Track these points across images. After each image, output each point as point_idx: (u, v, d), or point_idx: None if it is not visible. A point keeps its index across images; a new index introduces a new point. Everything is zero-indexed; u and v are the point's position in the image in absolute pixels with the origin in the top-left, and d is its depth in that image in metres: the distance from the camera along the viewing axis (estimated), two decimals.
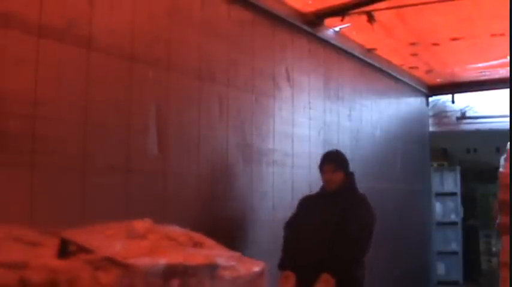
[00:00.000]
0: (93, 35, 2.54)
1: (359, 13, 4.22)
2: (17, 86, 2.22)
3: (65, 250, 1.66)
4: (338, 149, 3.89)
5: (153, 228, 1.98)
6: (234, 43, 3.58)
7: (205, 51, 3.30)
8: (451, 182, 8.60)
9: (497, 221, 4.66)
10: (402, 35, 5.03)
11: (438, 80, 7.21)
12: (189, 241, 2.05)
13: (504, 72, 6.16)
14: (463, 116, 7.92)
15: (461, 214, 8.45)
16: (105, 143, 2.61)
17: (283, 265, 3.36)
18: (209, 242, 2.10)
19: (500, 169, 4.74)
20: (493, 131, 7.46)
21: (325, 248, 3.32)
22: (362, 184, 5.29)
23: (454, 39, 5.09)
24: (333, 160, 3.62)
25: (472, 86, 7.28)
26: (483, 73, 6.66)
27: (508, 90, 4.94)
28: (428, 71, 6.69)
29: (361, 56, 5.34)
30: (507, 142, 4.77)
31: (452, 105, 7.82)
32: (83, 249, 1.64)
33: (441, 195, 8.44)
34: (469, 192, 8.60)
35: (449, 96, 7.69)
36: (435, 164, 8.54)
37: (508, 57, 5.43)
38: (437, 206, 8.39)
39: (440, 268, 8.17)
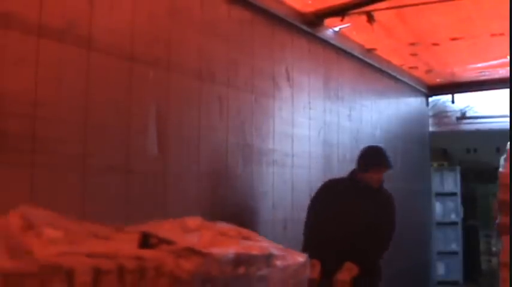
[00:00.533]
0: (93, 35, 2.54)
1: (359, 13, 4.22)
2: (16, 86, 2.22)
3: (146, 242, 1.85)
4: (382, 147, 3.99)
5: (204, 224, 2.19)
6: (234, 43, 3.58)
7: (205, 51, 3.30)
8: (451, 182, 8.60)
9: (497, 221, 4.66)
10: (402, 35, 5.03)
11: (438, 80, 7.21)
12: (238, 235, 2.22)
13: (504, 72, 6.15)
14: (463, 116, 7.92)
15: (461, 214, 8.45)
16: (105, 143, 2.61)
17: (306, 252, 3.34)
18: (255, 235, 2.29)
19: (500, 169, 4.74)
20: (493, 131, 7.46)
21: (351, 240, 3.45)
22: None
23: (454, 39, 5.09)
24: (389, 163, 3.72)
25: (472, 86, 7.28)
26: (483, 73, 6.66)
27: (508, 90, 4.94)
28: (428, 71, 6.68)
29: (361, 56, 5.34)
30: (507, 142, 4.77)
31: (452, 105, 7.82)
32: (163, 241, 1.85)
33: (441, 195, 8.44)
34: (469, 192, 8.61)
35: (449, 96, 7.69)
36: (435, 164, 8.54)
37: (508, 57, 5.42)
38: (437, 206, 8.39)
39: (440, 268, 8.17)
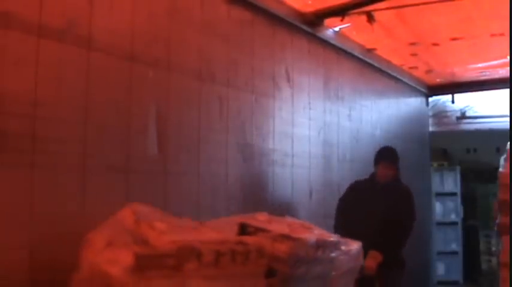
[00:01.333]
0: (93, 35, 2.54)
1: (359, 13, 4.22)
2: (17, 86, 2.22)
3: (244, 231, 2.29)
4: (392, 146, 4.50)
5: (272, 218, 2.58)
6: (234, 43, 3.58)
7: (205, 51, 3.29)
8: (451, 182, 8.59)
9: (497, 221, 4.66)
10: (402, 35, 5.03)
11: (438, 80, 7.21)
12: (302, 226, 2.60)
13: (504, 72, 6.16)
14: (463, 116, 7.92)
15: (461, 214, 8.45)
16: (105, 143, 2.61)
17: None
18: (315, 227, 2.64)
19: (500, 169, 4.74)
20: (493, 131, 7.46)
21: (375, 232, 3.81)
22: None
23: (454, 39, 5.09)
24: (389, 157, 4.23)
25: (472, 86, 7.28)
26: (483, 73, 6.66)
27: (508, 90, 4.94)
28: (428, 71, 6.69)
29: (361, 56, 5.34)
30: (507, 142, 4.77)
31: (452, 105, 7.82)
32: (259, 229, 2.31)
33: (441, 195, 8.44)
34: (469, 192, 8.60)
35: (449, 96, 7.70)
36: (435, 164, 8.54)
37: (508, 57, 5.42)
38: (437, 206, 8.39)
39: (440, 268, 8.17)
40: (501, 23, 4.28)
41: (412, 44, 5.31)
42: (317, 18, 4.34)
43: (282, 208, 3.95)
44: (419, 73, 6.77)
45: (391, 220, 3.87)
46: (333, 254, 2.45)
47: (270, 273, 2.09)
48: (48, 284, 2.26)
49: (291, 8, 4.11)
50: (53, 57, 2.36)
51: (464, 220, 8.48)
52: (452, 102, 7.73)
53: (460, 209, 8.44)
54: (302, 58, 4.40)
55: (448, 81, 7.23)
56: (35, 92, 2.28)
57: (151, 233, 2.02)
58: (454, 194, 8.48)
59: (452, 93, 7.61)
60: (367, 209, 3.99)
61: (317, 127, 4.60)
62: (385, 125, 6.12)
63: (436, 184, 8.36)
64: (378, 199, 4.02)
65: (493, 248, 8.02)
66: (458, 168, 8.57)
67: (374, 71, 5.79)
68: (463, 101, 7.82)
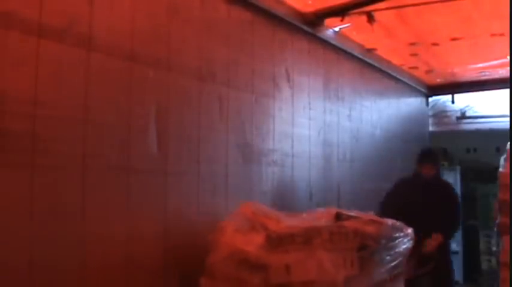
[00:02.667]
0: (93, 34, 2.54)
1: (359, 13, 4.22)
2: (17, 86, 2.22)
3: (339, 217, 2.97)
4: (433, 148, 5.43)
5: (341, 211, 3.15)
6: (234, 43, 3.58)
7: (205, 51, 3.30)
8: (451, 181, 8.58)
9: (497, 221, 4.66)
10: (402, 35, 5.03)
11: (438, 80, 7.21)
12: (368, 216, 3.12)
13: (504, 72, 6.16)
14: (463, 116, 7.92)
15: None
16: (105, 142, 2.61)
17: None
18: (380, 218, 3.08)
19: (500, 169, 4.74)
20: (493, 131, 7.46)
21: (433, 218, 4.49)
22: (362, 184, 5.33)
23: (454, 39, 5.09)
24: (432, 159, 4.88)
25: (472, 86, 7.28)
26: (483, 73, 6.66)
27: (508, 90, 4.94)
28: (428, 71, 6.69)
29: (361, 56, 5.34)
30: (507, 142, 4.77)
31: (452, 105, 7.82)
32: (351, 216, 2.97)
33: None
34: (469, 192, 8.60)
35: (449, 96, 7.70)
36: None
37: (508, 57, 5.43)
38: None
39: None
40: (501, 23, 4.28)
41: (412, 44, 5.31)
42: (317, 18, 4.34)
43: (282, 208, 3.95)
44: (419, 73, 6.77)
45: (446, 207, 4.68)
46: (399, 237, 3.06)
47: (362, 247, 2.75)
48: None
49: (291, 8, 4.11)
50: (53, 57, 2.36)
51: (464, 219, 8.47)
52: (452, 102, 7.72)
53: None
54: (302, 58, 4.40)
55: (448, 81, 7.23)
56: (35, 92, 2.28)
57: (269, 221, 2.84)
58: None
59: (452, 93, 7.61)
60: (422, 201, 4.62)
61: (317, 127, 4.60)
62: (385, 125, 6.12)
63: None
64: (430, 192, 4.69)
65: (493, 248, 8.02)
66: (458, 168, 8.56)
67: (374, 71, 5.79)
68: (463, 101, 7.81)
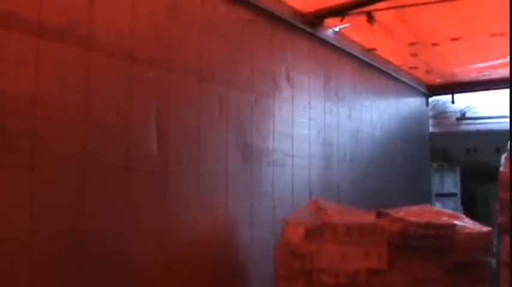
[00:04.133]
0: (93, 34, 2.54)
1: (359, 13, 4.22)
2: (17, 86, 2.22)
3: (380, 215, 3.09)
4: None
5: (426, 209, 3.55)
6: (234, 43, 3.58)
7: (205, 51, 3.30)
8: (451, 182, 8.59)
9: (497, 220, 4.65)
10: (402, 35, 5.03)
11: (438, 80, 7.21)
12: (450, 216, 3.36)
13: (504, 72, 6.16)
14: (463, 117, 7.93)
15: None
16: (105, 142, 2.60)
17: None
18: (460, 215, 3.35)
19: (501, 169, 4.73)
20: (493, 131, 7.46)
21: None
22: (362, 184, 5.33)
23: (454, 39, 5.09)
24: None
25: (472, 86, 7.28)
26: (483, 73, 6.66)
27: (508, 90, 4.94)
28: (428, 71, 6.69)
29: (361, 56, 5.34)
30: (507, 143, 4.76)
31: (452, 105, 7.82)
32: (387, 214, 3.07)
33: (441, 196, 8.44)
34: (469, 193, 8.60)
35: (449, 96, 7.70)
36: (435, 165, 8.54)
37: (508, 57, 5.43)
38: (438, 207, 8.38)
39: None
40: (501, 23, 4.28)
41: (412, 44, 5.31)
42: (317, 18, 4.35)
43: (282, 208, 3.95)
44: (419, 73, 6.78)
45: None
46: (446, 233, 3.03)
47: (389, 243, 2.88)
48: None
49: (291, 8, 4.11)
50: (53, 57, 2.36)
51: None
52: (452, 102, 7.72)
53: (460, 209, 8.44)
54: (302, 58, 4.40)
55: (448, 81, 7.23)
56: (35, 92, 2.28)
57: (324, 216, 3.21)
58: (454, 194, 8.48)
59: (452, 94, 7.61)
60: None
61: (317, 127, 4.60)
62: (385, 125, 6.12)
63: (436, 185, 8.35)
64: None
65: (493, 248, 8.01)
66: (458, 169, 8.56)
67: (374, 71, 5.79)
68: (463, 102, 7.82)
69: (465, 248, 3.11)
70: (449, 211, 3.62)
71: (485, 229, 3.27)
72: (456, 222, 3.25)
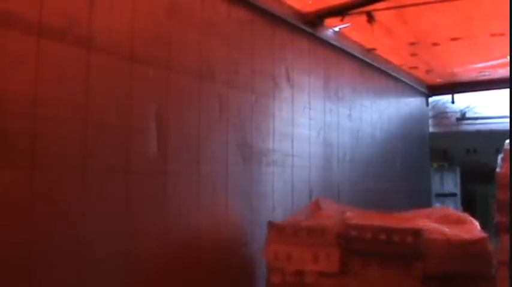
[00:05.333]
0: (93, 34, 2.54)
1: (359, 13, 4.22)
2: (17, 86, 2.22)
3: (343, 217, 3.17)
4: None
5: (434, 211, 3.47)
6: (234, 43, 3.58)
7: (205, 51, 3.30)
8: (451, 182, 8.61)
9: (496, 220, 4.65)
10: (402, 35, 5.03)
11: (438, 80, 7.21)
12: (448, 220, 3.20)
13: (504, 72, 6.16)
14: (463, 117, 7.93)
15: None
16: (105, 143, 2.61)
17: None
18: (467, 219, 3.22)
19: (498, 169, 4.73)
20: (493, 132, 7.47)
21: None
22: (362, 184, 5.33)
23: (454, 39, 5.09)
24: None
25: (472, 86, 7.29)
26: (483, 73, 6.66)
27: (508, 90, 4.94)
28: (428, 71, 6.69)
29: (361, 56, 5.34)
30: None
31: (452, 105, 7.83)
32: (348, 219, 3.06)
33: (441, 196, 8.44)
34: (469, 193, 8.61)
35: (449, 97, 7.70)
36: (435, 165, 8.55)
37: (508, 57, 5.43)
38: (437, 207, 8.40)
39: None
40: (501, 23, 4.28)
41: (412, 44, 5.31)
42: (317, 18, 4.34)
43: (282, 208, 3.95)
44: (419, 73, 6.78)
45: None
46: (407, 241, 2.78)
47: (339, 246, 2.86)
48: None
49: (291, 8, 4.11)
50: (53, 57, 2.36)
51: None
52: (452, 102, 7.73)
53: (460, 209, 8.45)
54: (302, 58, 4.40)
55: (448, 81, 7.23)
56: (35, 92, 2.28)
57: (317, 216, 3.35)
58: (454, 194, 8.49)
59: (452, 93, 7.62)
60: None
61: (317, 127, 4.60)
62: (385, 125, 6.12)
63: (436, 185, 8.37)
64: None
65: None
66: (458, 169, 8.57)
67: (374, 71, 5.79)
68: (463, 102, 7.82)
69: (441, 259, 2.79)
70: (459, 214, 3.43)
71: (477, 236, 2.93)
72: (444, 227, 2.96)
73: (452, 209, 3.52)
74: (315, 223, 3.11)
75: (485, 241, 2.97)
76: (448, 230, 2.93)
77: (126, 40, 2.74)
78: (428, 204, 7.83)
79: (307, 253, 2.92)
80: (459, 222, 3.23)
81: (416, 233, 2.76)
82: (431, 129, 7.88)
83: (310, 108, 4.49)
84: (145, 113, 2.85)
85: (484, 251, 2.93)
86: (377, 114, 5.90)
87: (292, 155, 4.20)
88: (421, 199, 7.50)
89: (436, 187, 8.27)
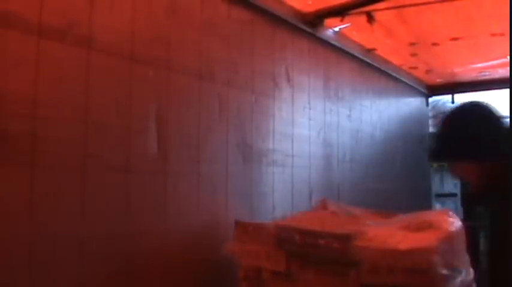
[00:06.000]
0: (93, 35, 2.54)
1: (359, 13, 4.22)
2: (17, 86, 2.22)
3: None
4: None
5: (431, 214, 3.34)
6: (234, 43, 3.58)
7: (205, 51, 3.30)
8: (451, 182, 8.59)
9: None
10: (402, 35, 5.03)
11: (438, 80, 7.21)
12: (432, 222, 2.94)
13: (504, 72, 6.16)
14: None
15: (461, 215, 8.44)
16: (105, 143, 2.60)
17: None
18: (448, 222, 3.02)
19: None
20: None
21: None
22: (362, 184, 5.33)
23: (454, 39, 5.09)
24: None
25: (472, 86, 7.28)
26: (483, 73, 6.66)
27: (508, 90, 4.94)
28: (428, 71, 6.69)
29: (360, 56, 5.34)
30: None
31: (452, 105, 7.82)
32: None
33: (441, 196, 8.44)
34: (469, 193, 8.60)
35: (449, 96, 7.70)
36: (435, 165, 8.55)
37: (508, 57, 5.43)
38: (437, 207, 8.39)
39: None
40: (501, 23, 4.28)
41: (412, 44, 5.31)
42: (317, 18, 4.34)
43: (282, 208, 3.95)
44: (419, 73, 6.78)
45: None
46: (335, 246, 2.63)
47: (278, 247, 2.85)
48: None
49: (291, 8, 4.11)
50: (53, 57, 2.36)
51: (464, 220, 8.46)
52: (452, 102, 7.72)
53: (460, 210, 8.44)
54: (302, 58, 4.40)
55: (448, 81, 7.23)
56: (35, 92, 2.28)
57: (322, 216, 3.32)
58: (454, 195, 8.48)
59: (452, 93, 7.61)
60: None
61: (317, 127, 4.60)
62: (385, 125, 6.12)
63: (436, 185, 8.36)
64: None
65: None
66: None
67: (374, 71, 5.79)
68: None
69: (378, 269, 2.47)
70: (439, 218, 3.04)
71: (414, 246, 2.47)
72: (399, 234, 2.68)
73: (452, 212, 3.26)
74: (267, 223, 3.12)
75: (425, 253, 2.44)
76: (398, 238, 2.57)
77: (126, 40, 2.74)
78: (428, 204, 7.84)
79: (262, 251, 2.94)
80: (429, 227, 2.83)
81: (344, 238, 2.55)
82: (431, 129, 7.87)
83: (310, 109, 4.49)
84: (145, 113, 2.85)
85: (426, 263, 2.41)
86: (377, 114, 5.90)
87: (292, 155, 4.20)
88: (421, 198, 7.50)
89: (436, 187, 8.26)
